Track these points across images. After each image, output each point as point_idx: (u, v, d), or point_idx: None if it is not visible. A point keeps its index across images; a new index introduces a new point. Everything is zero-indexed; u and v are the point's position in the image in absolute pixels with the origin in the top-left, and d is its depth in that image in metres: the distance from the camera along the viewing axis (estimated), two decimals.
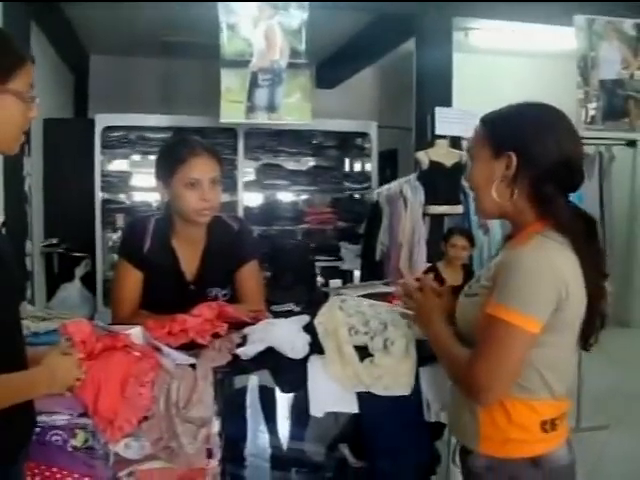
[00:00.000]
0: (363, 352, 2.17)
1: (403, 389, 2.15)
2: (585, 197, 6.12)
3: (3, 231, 1.61)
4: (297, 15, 5.22)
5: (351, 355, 2.14)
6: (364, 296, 2.56)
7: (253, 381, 2.34)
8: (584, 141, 5.68)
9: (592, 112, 5.84)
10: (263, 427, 2.70)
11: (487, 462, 1.89)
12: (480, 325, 1.79)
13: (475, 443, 1.91)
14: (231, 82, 5.22)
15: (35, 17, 5.49)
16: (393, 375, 2.14)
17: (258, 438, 2.68)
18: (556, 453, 1.88)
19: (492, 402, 1.81)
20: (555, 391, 1.86)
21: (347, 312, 2.25)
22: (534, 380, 1.83)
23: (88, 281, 6.26)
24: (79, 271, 6.19)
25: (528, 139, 1.82)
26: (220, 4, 5.08)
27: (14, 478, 1.71)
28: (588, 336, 1.89)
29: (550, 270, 1.73)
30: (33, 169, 5.84)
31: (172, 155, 2.62)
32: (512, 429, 1.85)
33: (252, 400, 2.47)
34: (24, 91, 1.65)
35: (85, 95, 8.52)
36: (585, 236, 1.82)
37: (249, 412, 2.61)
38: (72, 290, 6.06)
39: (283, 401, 2.54)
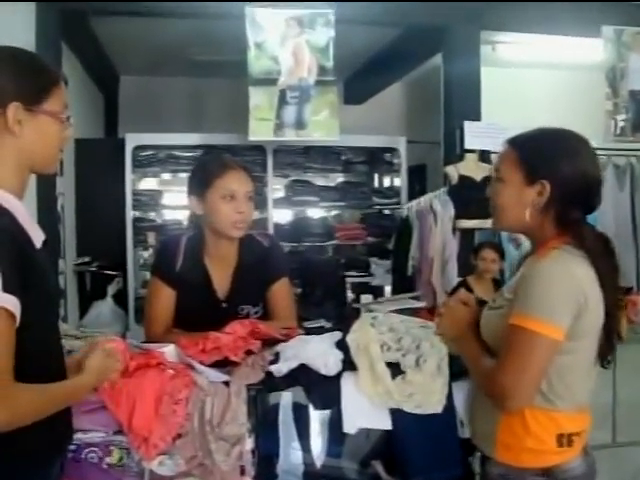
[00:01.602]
0: (395, 369, 2.16)
1: (434, 407, 2.14)
2: (618, 209, 6.10)
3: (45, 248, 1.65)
4: (324, 32, 5.25)
5: (383, 372, 2.13)
6: (395, 311, 2.56)
7: (286, 398, 2.34)
8: (614, 152, 5.72)
9: (621, 123, 5.80)
10: (296, 444, 2.69)
11: (503, 470, 1.94)
12: (504, 336, 1.85)
13: (492, 451, 1.97)
14: (259, 100, 5.26)
15: (66, 38, 5.57)
16: (425, 393, 2.14)
17: (291, 455, 2.66)
18: (570, 464, 1.92)
19: (517, 409, 1.86)
20: (577, 400, 1.91)
21: (379, 329, 2.25)
22: (557, 388, 1.87)
23: (120, 299, 6.30)
24: (111, 289, 6.24)
25: (562, 169, 1.88)
26: (248, 23, 5.12)
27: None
28: (606, 352, 1.94)
29: (569, 279, 1.81)
30: (65, 189, 5.91)
31: (208, 169, 2.67)
32: (527, 439, 1.89)
33: (285, 417, 2.47)
34: (59, 111, 1.69)
35: (115, 115, 8.62)
36: (603, 253, 1.89)
37: (282, 429, 2.60)
38: (104, 308, 6.10)
39: (316, 418, 2.54)
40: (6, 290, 1.44)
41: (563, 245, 1.88)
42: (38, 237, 1.62)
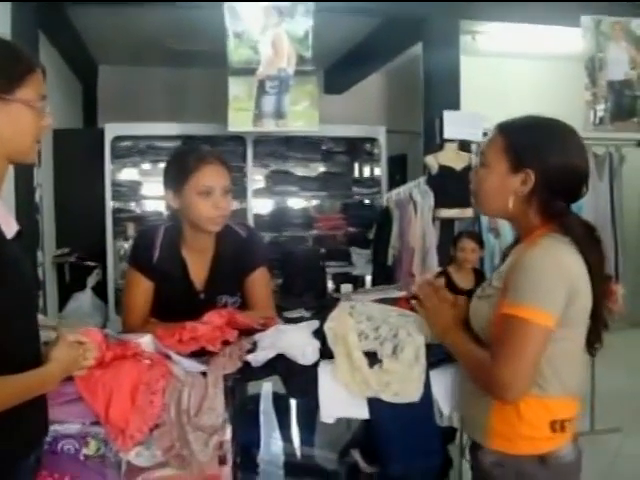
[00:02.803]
0: (373, 358, 2.16)
1: (412, 396, 2.14)
2: (597, 198, 6.15)
3: (18, 239, 1.62)
4: (303, 22, 5.23)
5: (360, 360, 2.13)
6: (375, 301, 2.56)
7: (266, 388, 2.34)
8: (594, 142, 5.75)
9: (600, 113, 5.83)
10: (276, 434, 2.70)
11: (496, 458, 1.95)
12: (496, 326, 1.86)
13: (485, 439, 1.98)
14: (238, 90, 5.25)
15: (43, 28, 5.51)
16: (402, 381, 2.14)
17: (271, 445, 2.67)
18: (562, 450, 1.93)
19: (517, 398, 1.86)
20: (568, 388, 1.92)
21: (357, 318, 2.25)
22: (548, 376, 1.88)
23: (100, 290, 6.28)
24: (91, 280, 6.22)
25: (548, 160, 1.89)
26: (227, 12, 5.10)
27: (22, 477, 1.71)
28: (594, 339, 1.96)
29: (560, 267, 1.82)
30: (44, 180, 5.87)
31: (183, 164, 2.61)
32: (522, 426, 1.90)
33: (265, 407, 2.47)
34: (34, 99, 1.65)
35: (94, 105, 8.56)
36: (589, 241, 1.91)
37: (262, 419, 2.61)
38: (84, 299, 6.08)
39: (295, 408, 2.54)
40: None
41: (550, 232, 1.89)
42: (10, 228, 1.60)
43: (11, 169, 1.74)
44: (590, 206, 5.81)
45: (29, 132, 1.68)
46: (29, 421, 1.67)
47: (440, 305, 2.16)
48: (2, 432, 1.56)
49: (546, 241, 1.87)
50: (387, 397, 2.13)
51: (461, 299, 2.18)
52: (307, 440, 2.46)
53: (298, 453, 2.69)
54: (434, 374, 2.20)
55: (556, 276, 1.81)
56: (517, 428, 1.90)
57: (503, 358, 1.81)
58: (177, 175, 2.60)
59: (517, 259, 1.89)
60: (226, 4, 5.10)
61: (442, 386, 2.20)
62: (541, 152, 1.90)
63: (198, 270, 2.70)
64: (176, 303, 2.64)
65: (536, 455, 1.91)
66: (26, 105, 1.64)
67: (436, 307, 2.16)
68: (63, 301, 6.22)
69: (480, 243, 4.90)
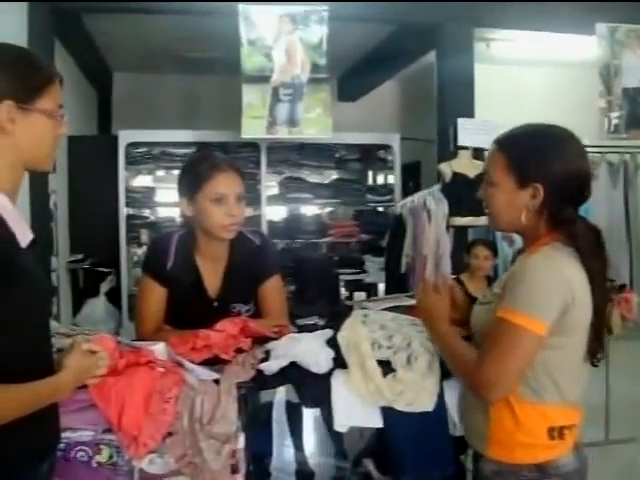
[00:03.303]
0: (386, 367, 2.15)
1: (426, 405, 2.14)
2: (611, 206, 6.11)
3: (33, 248, 1.64)
4: (317, 30, 5.24)
5: (374, 370, 2.12)
6: (388, 309, 2.55)
7: (280, 395, 2.33)
8: (608, 150, 5.72)
9: (615, 121, 5.80)
10: (289, 442, 2.68)
11: (495, 467, 1.96)
12: (490, 328, 1.88)
13: (484, 447, 1.99)
14: (252, 97, 5.25)
15: (59, 35, 5.56)
16: (416, 391, 2.13)
17: (284, 453, 2.66)
18: (562, 460, 1.93)
19: (498, 399, 1.89)
20: (566, 396, 1.92)
21: (370, 327, 2.24)
22: (545, 383, 1.89)
23: (113, 296, 6.30)
24: (104, 286, 6.23)
25: (553, 171, 1.89)
26: (241, 20, 5.11)
27: None
28: (595, 349, 1.95)
29: (557, 276, 1.83)
30: (58, 186, 5.90)
31: (197, 171, 2.61)
32: (519, 433, 1.91)
33: (278, 415, 2.46)
34: (53, 109, 1.68)
35: (108, 112, 8.61)
36: (593, 246, 1.91)
37: (275, 427, 2.60)
38: (97, 305, 6.09)
39: (308, 416, 2.53)
40: None
41: (553, 242, 1.90)
42: (25, 236, 1.60)
43: (26, 175, 1.76)
44: (604, 214, 5.78)
45: (48, 141, 1.70)
46: (42, 429, 1.67)
47: (435, 299, 2.17)
48: (15, 440, 1.56)
49: (547, 250, 1.88)
50: (401, 406, 2.12)
51: (448, 285, 2.23)
52: (323, 449, 2.45)
53: (310, 462, 2.68)
54: (447, 384, 2.19)
55: (552, 285, 1.82)
56: (515, 436, 1.91)
57: (490, 359, 1.85)
58: (191, 183, 2.61)
59: (517, 266, 1.92)
60: (241, 12, 5.11)
61: (455, 396, 2.19)
62: (545, 164, 1.89)
63: (212, 278, 2.70)
64: (190, 311, 2.64)
65: (534, 464, 1.91)
66: (45, 115, 1.66)
67: (430, 301, 2.17)
68: (77, 307, 6.24)
69: (494, 251, 4.88)
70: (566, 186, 1.90)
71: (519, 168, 1.92)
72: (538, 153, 1.91)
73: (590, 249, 1.89)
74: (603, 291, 1.92)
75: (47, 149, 1.72)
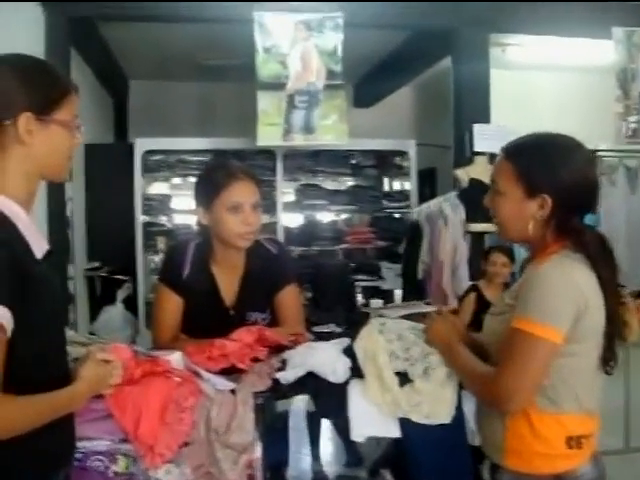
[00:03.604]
0: (403, 378, 2.14)
1: (443, 418, 2.12)
2: (629, 211, 6.06)
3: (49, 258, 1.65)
4: (333, 36, 5.23)
5: (391, 380, 2.11)
6: (404, 317, 2.53)
7: (298, 404, 2.32)
8: (626, 154, 5.68)
9: (633, 125, 5.76)
10: (306, 451, 2.67)
11: (513, 477, 1.94)
12: (505, 339, 1.87)
13: (502, 458, 1.97)
14: (267, 105, 5.25)
15: (75, 43, 5.57)
16: (433, 403, 2.12)
17: (300, 462, 2.65)
18: (580, 469, 1.91)
19: (517, 411, 1.88)
20: (583, 404, 1.91)
21: (387, 336, 2.23)
22: (561, 391, 1.88)
23: (130, 304, 6.30)
24: (121, 294, 6.24)
25: (562, 181, 1.89)
26: (256, 27, 5.12)
27: None
28: (608, 356, 1.94)
29: (569, 283, 1.83)
30: (75, 194, 5.91)
31: (213, 179, 2.62)
32: (536, 442, 1.89)
33: (295, 424, 2.45)
34: (69, 120, 1.70)
35: (125, 120, 8.62)
36: (602, 253, 1.90)
37: (292, 436, 2.58)
38: (114, 313, 6.10)
39: (325, 425, 2.52)
40: None
41: (562, 250, 1.90)
42: (40, 247, 1.61)
43: (43, 183, 1.77)
44: (622, 219, 5.74)
45: (64, 151, 1.72)
46: (57, 438, 1.68)
47: (441, 321, 2.20)
48: (31, 449, 1.57)
49: (557, 258, 1.88)
50: (417, 418, 2.11)
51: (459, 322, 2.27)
52: (340, 459, 2.43)
53: (327, 471, 2.66)
54: (466, 394, 2.17)
55: (565, 292, 1.82)
56: (532, 445, 1.90)
57: (508, 369, 1.84)
58: (207, 191, 2.61)
59: (527, 276, 1.92)
60: (256, 19, 5.12)
61: (474, 405, 2.17)
62: (553, 175, 1.89)
63: (228, 286, 2.70)
64: (206, 319, 2.64)
65: (553, 474, 1.89)
66: (62, 126, 1.68)
67: (437, 324, 2.20)
68: (94, 314, 6.24)
69: (511, 257, 4.85)
70: (574, 196, 1.90)
71: (527, 179, 1.92)
72: (546, 164, 1.91)
73: (600, 256, 1.89)
74: (615, 297, 1.92)
75: (63, 160, 1.74)
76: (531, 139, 1.99)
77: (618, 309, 1.93)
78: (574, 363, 1.87)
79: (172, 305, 2.69)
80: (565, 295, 1.81)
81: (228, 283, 2.70)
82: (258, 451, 2.11)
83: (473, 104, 5.84)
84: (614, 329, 1.91)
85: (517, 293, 1.91)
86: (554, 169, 1.89)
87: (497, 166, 2.03)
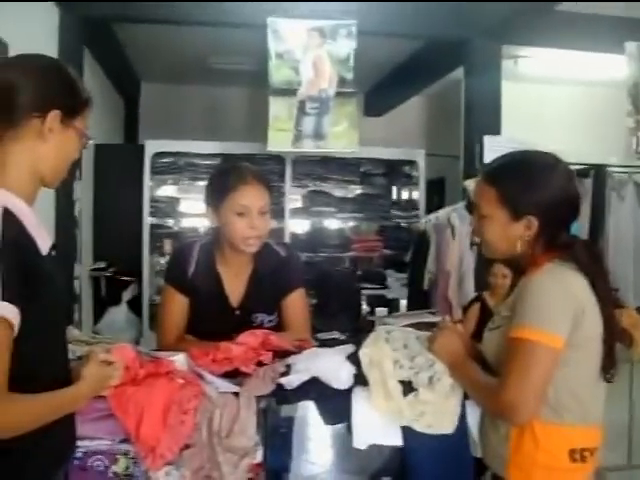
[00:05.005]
0: (408, 387, 2.13)
1: (446, 428, 2.11)
2: (637, 227, 6.02)
3: (53, 254, 1.65)
4: (346, 44, 5.24)
5: (395, 389, 2.11)
6: (409, 325, 2.52)
7: (301, 410, 2.31)
8: (635, 170, 5.66)
9: None
10: (307, 457, 2.66)
11: None
12: (506, 351, 1.87)
13: (504, 470, 1.94)
14: (279, 110, 5.26)
15: (88, 44, 5.60)
16: (436, 413, 2.11)
17: (301, 468, 2.64)
18: None
19: (524, 421, 1.85)
20: (587, 416, 1.90)
21: (393, 344, 2.22)
22: (565, 401, 1.87)
23: (135, 305, 6.31)
24: (126, 295, 6.25)
25: (545, 202, 1.91)
26: (269, 33, 5.13)
27: None
28: (608, 364, 1.92)
29: (565, 289, 1.84)
30: (83, 193, 5.92)
31: (222, 182, 2.62)
32: (540, 455, 1.87)
33: (298, 429, 2.44)
34: (84, 129, 1.75)
35: (135, 121, 8.65)
36: (591, 260, 1.92)
37: (294, 441, 2.58)
38: (119, 314, 6.11)
39: (327, 432, 2.51)
40: (5, 299, 1.43)
41: (553, 259, 1.91)
42: (45, 243, 1.61)
43: None
44: (630, 235, 5.71)
45: (69, 159, 1.75)
46: (57, 436, 1.67)
47: (445, 334, 2.17)
48: (30, 448, 1.56)
49: (550, 267, 1.89)
50: (420, 428, 2.10)
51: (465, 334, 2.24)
52: (342, 466, 2.42)
53: (328, 477, 2.65)
54: (469, 404, 2.16)
55: (561, 298, 1.82)
56: (534, 457, 1.87)
57: (511, 380, 1.81)
58: (216, 193, 2.61)
59: (523, 286, 1.91)
60: (269, 25, 5.12)
61: (477, 417, 2.16)
62: (537, 197, 1.90)
63: (234, 286, 2.70)
64: (211, 319, 2.64)
65: None
66: (78, 134, 1.72)
67: (441, 337, 2.17)
68: (98, 315, 6.25)
69: (513, 269, 4.83)
70: (559, 213, 1.93)
71: (511, 203, 1.92)
72: (529, 186, 1.92)
73: (590, 263, 1.90)
74: (610, 301, 1.92)
75: (65, 167, 1.75)
76: (510, 161, 2.01)
77: (614, 313, 1.93)
78: (574, 372, 1.86)
79: (177, 306, 2.68)
80: (561, 301, 1.82)
81: (235, 283, 2.70)
82: (259, 456, 2.10)
83: (484, 115, 5.83)
84: (612, 334, 1.91)
85: (513, 304, 1.91)
86: (537, 191, 1.91)
87: (478, 190, 2.03)
